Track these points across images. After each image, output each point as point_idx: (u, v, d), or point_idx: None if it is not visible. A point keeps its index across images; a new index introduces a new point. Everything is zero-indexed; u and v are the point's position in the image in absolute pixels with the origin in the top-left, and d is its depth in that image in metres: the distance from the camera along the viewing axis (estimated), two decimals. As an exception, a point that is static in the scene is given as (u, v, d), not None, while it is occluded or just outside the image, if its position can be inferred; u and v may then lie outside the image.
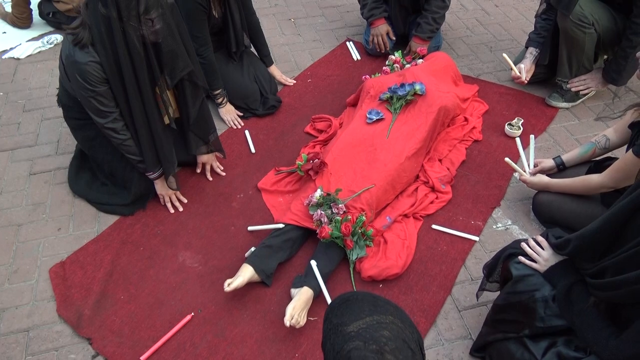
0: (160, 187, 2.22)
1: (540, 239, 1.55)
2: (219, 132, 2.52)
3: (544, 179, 2.10)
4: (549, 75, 2.88)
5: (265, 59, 2.93)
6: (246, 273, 1.87)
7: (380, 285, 1.96)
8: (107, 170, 2.29)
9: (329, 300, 1.88)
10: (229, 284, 1.81)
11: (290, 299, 1.86)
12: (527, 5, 3.75)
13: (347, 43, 3.35)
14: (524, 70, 2.69)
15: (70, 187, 2.37)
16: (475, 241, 2.12)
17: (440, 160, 2.42)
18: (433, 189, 2.29)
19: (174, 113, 2.14)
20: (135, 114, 1.94)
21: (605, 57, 2.79)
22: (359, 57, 3.22)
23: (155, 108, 1.98)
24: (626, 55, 2.50)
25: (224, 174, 2.44)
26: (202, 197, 2.33)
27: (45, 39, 3.42)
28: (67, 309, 1.90)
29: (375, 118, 2.34)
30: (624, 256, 1.20)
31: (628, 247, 1.19)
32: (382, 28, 3.10)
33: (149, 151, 2.06)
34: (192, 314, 1.88)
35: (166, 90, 2.01)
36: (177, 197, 2.27)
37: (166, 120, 2.08)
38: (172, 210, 2.26)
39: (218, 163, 2.44)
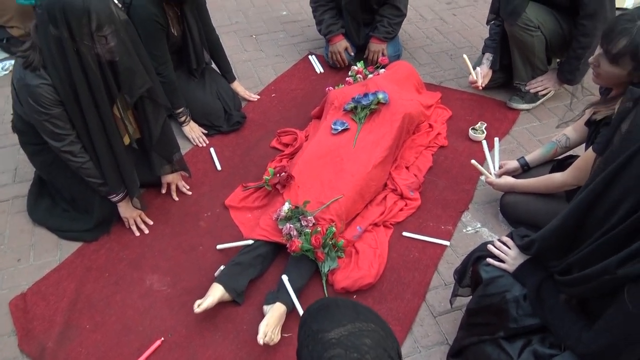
0: (124, 209, 2.16)
1: (506, 238, 1.56)
2: (184, 151, 2.47)
3: (509, 180, 2.13)
4: (507, 80, 2.93)
5: (227, 75, 2.91)
6: (216, 292, 1.82)
7: (355, 297, 1.93)
8: (67, 196, 2.22)
9: (302, 315, 1.84)
10: (198, 305, 1.76)
11: (263, 316, 1.81)
12: (484, 13, 3.79)
13: (310, 57, 3.35)
14: (480, 74, 2.74)
15: (29, 216, 2.28)
16: (446, 246, 2.12)
17: (407, 168, 2.42)
18: (402, 196, 2.28)
19: (135, 133, 2.09)
20: (94, 134, 1.89)
21: (558, 60, 2.87)
22: (321, 70, 3.23)
23: (115, 128, 1.93)
24: (577, 55, 2.58)
25: (190, 193, 2.39)
26: (168, 218, 2.28)
27: (0, 65, 3.32)
28: (29, 343, 1.81)
29: (340, 128, 2.34)
30: (588, 250, 1.21)
31: (590, 242, 1.21)
32: (341, 45, 3.12)
33: (111, 172, 2.00)
34: (162, 338, 1.81)
35: (126, 109, 1.96)
36: (142, 219, 2.21)
37: (126, 141, 2.03)
38: (137, 233, 2.20)
39: (183, 182, 2.39)
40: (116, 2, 1.80)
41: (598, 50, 1.69)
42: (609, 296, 1.20)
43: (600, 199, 1.18)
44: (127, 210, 2.17)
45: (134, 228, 2.20)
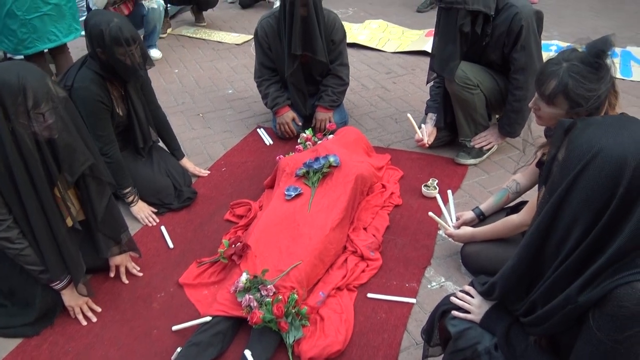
0: (68, 297, 2.00)
1: (468, 287, 1.52)
2: (133, 231, 2.36)
3: (468, 230, 2.13)
4: (452, 138, 3.04)
5: (176, 152, 2.87)
6: (174, 378, 1.68)
7: (323, 367, 1.82)
8: (5, 289, 2.04)
9: (269, 393, 1.71)
10: (154, 394, 1.61)
11: (226, 398, 1.67)
12: (422, 79, 3.99)
13: (258, 130, 3.37)
14: (426, 133, 2.83)
15: (-39, 315, 2.08)
16: (413, 304, 2.06)
17: (365, 229, 2.39)
18: (362, 257, 2.23)
19: (78, 214, 1.98)
20: (33, 218, 1.78)
21: (497, 116, 3.00)
22: (271, 142, 3.24)
23: (56, 210, 1.83)
24: (513, 109, 2.72)
25: (141, 274, 2.25)
26: (118, 303, 2.12)
27: None
28: None
29: (294, 194, 2.31)
30: (547, 284, 1.19)
31: (549, 275, 1.19)
32: (288, 116, 3.16)
33: (52, 258, 1.87)
34: None
35: (67, 189, 1.87)
36: (89, 306, 2.05)
37: (69, 222, 1.92)
38: (84, 322, 2.02)
39: (133, 263, 2.26)
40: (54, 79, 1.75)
41: (535, 96, 1.77)
42: (575, 328, 1.17)
43: (550, 230, 1.17)
44: (72, 298, 2.01)
45: (80, 317, 2.03)
